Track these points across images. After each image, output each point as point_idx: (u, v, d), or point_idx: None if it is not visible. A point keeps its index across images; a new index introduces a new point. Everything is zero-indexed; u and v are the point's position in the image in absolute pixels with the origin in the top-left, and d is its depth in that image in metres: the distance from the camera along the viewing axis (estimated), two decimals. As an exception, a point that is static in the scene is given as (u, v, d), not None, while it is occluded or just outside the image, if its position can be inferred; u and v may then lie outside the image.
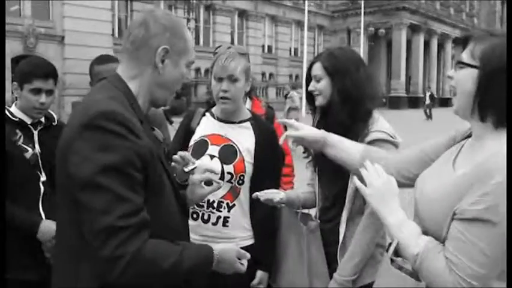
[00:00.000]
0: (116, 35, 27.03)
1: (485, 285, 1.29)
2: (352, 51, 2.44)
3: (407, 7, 40.48)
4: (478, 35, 1.46)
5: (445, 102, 46.54)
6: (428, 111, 28.56)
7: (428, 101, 29.29)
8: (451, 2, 50.57)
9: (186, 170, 1.98)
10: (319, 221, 2.34)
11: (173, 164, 2.05)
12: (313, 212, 2.46)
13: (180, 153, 2.05)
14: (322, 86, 2.24)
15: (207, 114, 2.51)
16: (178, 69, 1.57)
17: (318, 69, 2.27)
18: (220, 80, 2.32)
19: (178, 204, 1.60)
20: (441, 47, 47.90)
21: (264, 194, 2.26)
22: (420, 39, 43.08)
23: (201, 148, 2.37)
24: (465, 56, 1.43)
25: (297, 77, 29.40)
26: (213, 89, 2.36)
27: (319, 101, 2.27)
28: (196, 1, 27.40)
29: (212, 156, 2.34)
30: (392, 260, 1.46)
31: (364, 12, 36.39)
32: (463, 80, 1.42)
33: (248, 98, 3.41)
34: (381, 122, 2.20)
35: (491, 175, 1.28)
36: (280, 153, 2.50)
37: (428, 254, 1.34)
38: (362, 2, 36.44)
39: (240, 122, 2.43)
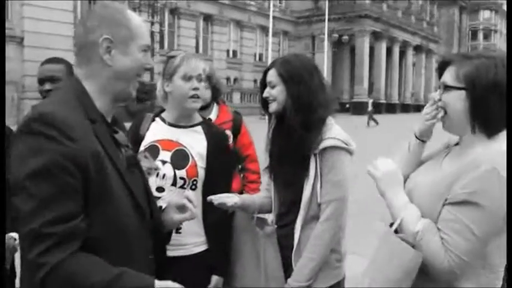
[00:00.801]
0: (78, 37, 26.57)
1: (473, 259, 1.47)
2: (307, 58, 2.44)
3: (369, 15, 41.27)
4: (456, 59, 1.64)
5: (406, 108, 47.62)
6: (370, 117, 28.66)
7: (370, 108, 29.54)
8: (412, 11, 51.85)
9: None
10: (275, 226, 2.34)
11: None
12: (270, 216, 2.46)
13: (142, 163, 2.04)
14: (276, 92, 2.25)
15: (157, 119, 2.48)
16: (130, 56, 1.49)
17: (272, 75, 2.28)
18: (189, 79, 2.32)
19: (136, 213, 1.47)
20: (402, 54, 48.98)
21: (217, 198, 2.25)
22: (383, 46, 43.97)
23: (151, 154, 2.32)
24: (450, 80, 1.61)
25: None
26: (176, 89, 2.34)
27: (273, 107, 2.27)
28: (161, 5, 27.14)
29: (164, 162, 2.31)
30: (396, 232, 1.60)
31: (328, 19, 36.86)
32: (453, 102, 1.60)
33: (215, 103, 3.39)
34: (335, 129, 2.21)
35: (479, 165, 1.48)
36: (232, 157, 2.52)
37: (427, 233, 1.51)
38: (326, 9, 36.93)
39: (191, 126, 2.41)
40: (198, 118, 2.46)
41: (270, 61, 25.56)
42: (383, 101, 43.66)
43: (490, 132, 1.58)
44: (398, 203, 1.64)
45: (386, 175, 1.69)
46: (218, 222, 2.32)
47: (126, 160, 1.50)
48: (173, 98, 2.37)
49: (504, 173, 1.45)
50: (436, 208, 1.55)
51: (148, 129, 2.45)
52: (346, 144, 2.17)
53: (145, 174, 2.04)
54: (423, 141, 1.83)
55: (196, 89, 2.33)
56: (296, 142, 2.15)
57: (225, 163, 2.42)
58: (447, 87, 1.63)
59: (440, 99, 1.66)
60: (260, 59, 39.48)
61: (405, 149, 1.87)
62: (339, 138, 2.17)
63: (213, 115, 3.33)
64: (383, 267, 1.56)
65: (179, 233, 2.28)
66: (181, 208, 1.74)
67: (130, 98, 1.55)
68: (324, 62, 35.95)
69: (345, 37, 39.10)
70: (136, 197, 1.47)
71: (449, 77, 1.62)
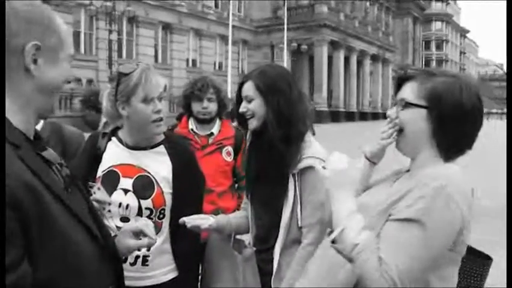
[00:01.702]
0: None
1: (408, 285, 1.30)
2: (283, 68, 2.28)
3: (328, 24, 41.89)
4: (418, 75, 1.52)
5: (364, 117, 48.48)
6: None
7: None
8: (369, 21, 53.03)
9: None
10: (254, 249, 2.20)
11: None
12: (247, 238, 2.30)
13: (96, 197, 1.94)
14: (255, 106, 2.09)
15: (113, 139, 2.19)
16: (58, 67, 1.27)
17: (249, 89, 2.11)
18: (150, 100, 2.03)
19: (87, 237, 1.26)
20: (360, 63, 49.94)
21: (190, 221, 2.06)
22: (341, 55, 44.70)
23: (111, 181, 2.09)
24: (410, 97, 1.48)
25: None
26: (135, 113, 2.04)
27: (253, 124, 2.10)
28: (119, 13, 26.78)
29: (126, 191, 2.08)
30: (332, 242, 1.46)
31: (287, 28, 37.20)
32: (413, 120, 1.48)
33: (218, 119, 3.28)
34: (314, 146, 2.09)
35: (429, 182, 1.36)
36: (200, 177, 2.31)
37: (366, 248, 1.35)
38: (285, 18, 37.28)
39: (153, 147, 2.16)
40: (159, 136, 2.18)
41: (229, 70, 25.43)
42: (342, 109, 44.35)
43: (449, 155, 1.48)
44: (342, 210, 1.46)
45: (336, 174, 1.52)
46: (188, 249, 2.16)
47: (63, 180, 1.30)
48: (132, 122, 2.08)
49: (456, 193, 1.34)
50: (379, 225, 1.40)
51: (104, 150, 2.17)
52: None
53: (99, 209, 1.90)
54: (374, 163, 1.71)
55: (159, 111, 2.05)
56: (276, 159, 2.00)
57: (192, 185, 2.20)
58: (407, 104, 1.49)
59: (396, 117, 1.52)
60: (220, 67, 39.45)
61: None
62: (319, 157, 2.02)
63: (215, 130, 3.23)
64: (316, 279, 1.44)
65: (147, 265, 2.09)
66: (137, 234, 1.58)
67: (52, 112, 1.34)
68: (283, 70, 36.19)
69: (304, 46, 39.59)
70: (83, 220, 1.26)
71: (409, 93, 1.49)
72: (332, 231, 1.48)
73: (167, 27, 35.40)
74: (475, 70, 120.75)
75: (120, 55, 30.62)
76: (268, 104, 2.07)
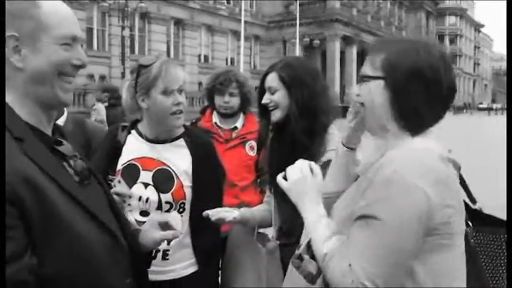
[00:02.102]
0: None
1: (390, 285, 1.20)
2: (308, 61, 2.28)
3: (340, 19, 41.67)
4: (375, 46, 1.42)
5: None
6: None
7: None
8: (381, 16, 52.63)
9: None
10: (278, 242, 2.18)
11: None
12: (270, 231, 2.28)
13: (117, 190, 1.93)
14: (278, 98, 2.09)
15: (133, 132, 2.18)
16: (44, 53, 1.19)
17: (273, 80, 2.12)
18: (171, 93, 2.03)
19: (102, 233, 1.23)
20: (372, 58, 49.58)
21: (215, 213, 2.06)
22: (353, 50, 44.41)
23: (131, 175, 2.08)
24: (367, 69, 1.37)
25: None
26: (155, 105, 2.04)
27: (276, 115, 2.11)
28: (131, 9, 26.86)
29: (146, 185, 2.08)
30: (295, 258, 1.38)
31: (299, 23, 37.09)
32: (372, 94, 1.35)
33: (242, 113, 3.25)
34: (337, 139, 2.02)
35: (377, 173, 1.24)
36: (220, 170, 2.30)
37: (334, 256, 1.26)
38: (297, 13, 37.16)
39: (173, 140, 2.15)
40: (179, 129, 2.18)
41: (242, 66, 25.31)
42: (354, 104, 44.15)
43: (413, 128, 1.33)
44: (309, 219, 1.38)
45: (294, 184, 1.44)
46: (208, 244, 2.15)
47: (79, 174, 1.27)
48: (151, 114, 2.08)
49: (413, 174, 1.20)
50: (348, 227, 1.29)
51: (124, 144, 2.16)
52: None
53: (119, 202, 1.89)
54: (352, 149, 1.58)
55: (179, 104, 2.05)
56: (299, 151, 1.96)
57: (213, 178, 2.18)
58: (364, 78, 1.37)
59: (358, 95, 1.41)
60: (232, 63, 39.36)
61: (334, 161, 1.63)
62: None
63: (238, 124, 3.20)
64: None
65: (167, 259, 2.09)
66: (164, 226, 1.57)
67: (60, 103, 1.28)
68: (295, 66, 36.11)
69: (317, 41, 39.42)
70: (96, 215, 1.22)
71: (366, 66, 1.38)
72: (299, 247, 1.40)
73: (179, 23, 35.45)
74: (490, 65, 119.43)
75: (133, 51, 30.73)
76: (291, 96, 2.07)
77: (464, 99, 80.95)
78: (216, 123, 3.21)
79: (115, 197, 1.89)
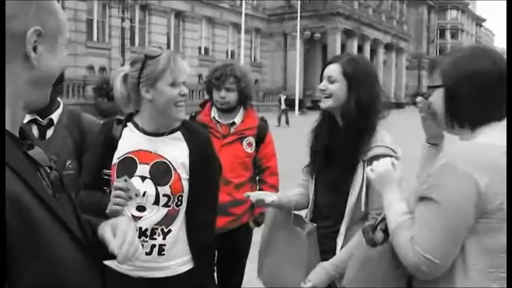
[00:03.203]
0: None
1: (441, 259, 1.42)
2: (369, 61, 2.40)
3: (341, 12, 41.52)
4: (440, 59, 1.64)
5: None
6: (283, 117, 24.91)
7: (283, 106, 25.61)
8: (383, 9, 52.45)
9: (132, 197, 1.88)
10: (315, 225, 2.24)
11: (116, 192, 1.88)
12: (303, 213, 2.37)
13: (116, 184, 1.89)
14: (335, 88, 2.16)
15: (129, 124, 2.14)
16: (58, 55, 1.11)
17: (335, 70, 2.18)
18: (177, 84, 2.02)
19: (76, 249, 1.10)
20: (373, 52, 49.45)
21: (256, 195, 2.24)
22: (354, 44, 44.31)
23: (128, 168, 2.05)
24: (430, 80, 1.63)
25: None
26: (161, 96, 2.01)
27: (327, 103, 2.19)
28: (131, 1, 26.75)
29: (143, 178, 2.05)
30: (368, 227, 1.66)
31: (300, 16, 36.95)
32: (435, 101, 1.60)
33: (242, 107, 3.19)
34: (383, 136, 2.15)
35: (439, 160, 1.48)
36: (217, 163, 2.28)
37: (399, 229, 1.52)
38: (298, 6, 37.02)
39: (170, 132, 2.13)
40: (177, 122, 2.16)
41: (242, 58, 25.05)
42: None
43: (472, 125, 1.53)
44: (387, 201, 1.67)
45: (379, 176, 1.74)
46: (203, 239, 2.13)
47: (52, 185, 1.14)
48: (155, 105, 2.04)
49: (466, 165, 1.40)
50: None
51: (120, 137, 2.12)
52: (394, 152, 2.10)
53: (124, 199, 1.87)
54: (435, 145, 1.81)
55: (184, 95, 2.05)
56: (351, 145, 2.10)
57: (210, 171, 2.18)
58: (430, 88, 1.63)
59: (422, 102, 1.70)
60: (232, 56, 39.30)
61: (421, 156, 1.87)
62: (389, 146, 2.11)
63: (237, 119, 3.14)
64: (355, 269, 1.67)
65: (163, 254, 2.07)
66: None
67: (40, 106, 1.18)
68: (296, 59, 36.05)
69: (317, 35, 39.30)
70: (72, 231, 1.10)
71: (431, 78, 1.63)
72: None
73: (179, 15, 35.32)
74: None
75: (133, 43, 30.66)
76: (351, 92, 2.14)
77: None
78: (214, 117, 3.16)
79: (118, 192, 1.88)
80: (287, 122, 24.81)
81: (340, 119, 2.19)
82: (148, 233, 2.05)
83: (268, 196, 2.23)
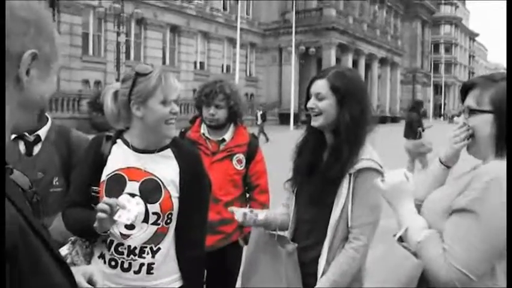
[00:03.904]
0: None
1: (477, 275, 1.39)
2: (357, 72, 2.32)
3: (336, 27, 41.82)
4: (480, 82, 1.62)
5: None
6: (261, 132, 22.82)
7: (259, 121, 24.42)
8: (377, 24, 52.89)
9: (120, 219, 1.81)
10: (296, 245, 2.17)
11: (99, 214, 1.83)
12: (287, 234, 2.31)
13: (107, 200, 1.84)
14: (325, 106, 2.08)
15: (118, 141, 2.11)
16: (49, 80, 1.09)
17: (322, 87, 2.10)
18: (168, 102, 1.99)
19: (60, 270, 1.05)
20: (368, 66, 49.78)
21: (240, 214, 2.18)
22: (349, 58, 44.57)
23: (117, 185, 2.01)
24: (474, 103, 1.59)
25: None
26: (152, 114, 1.98)
27: (318, 121, 2.10)
28: (127, 15, 26.84)
29: (132, 195, 2.00)
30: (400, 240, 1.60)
31: (295, 31, 37.16)
32: (480, 125, 1.58)
33: (232, 124, 3.15)
34: (369, 150, 2.09)
35: (483, 175, 1.45)
36: (207, 181, 2.24)
37: (428, 243, 1.48)
38: (293, 21, 37.26)
39: (160, 150, 2.09)
40: (167, 139, 2.13)
41: (237, 73, 24.98)
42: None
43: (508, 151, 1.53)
44: (404, 213, 1.62)
45: (391, 187, 1.68)
46: (193, 256, 2.09)
47: (34, 210, 1.14)
48: (146, 123, 2.01)
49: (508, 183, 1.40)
50: (443, 220, 1.51)
51: (109, 153, 2.09)
52: (380, 167, 2.05)
53: (107, 214, 1.82)
54: (448, 167, 1.78)
55: (175, 113, 2.02)
56: (338, 159, 2.05)
57: (200, 188, 2.13)
58: (472, 111, 1.60)
59: (465, 124, 1.64)
60: (228, 70, 39.44)
61: (429, 174, 1.82)
62: (375, 160, 2.05)
63: (227, 136, 3.10)
64: (383, 276, 1.57)
65: (152, 273, 2.02)
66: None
67: (26, 130, 1.09)
68: (291, 74, 36.18)
69: (312, 49, 39.50)
70: (54, 250, 1.05)
71: (473, 100, 1.60)
72: (395, 235, 1.61)
73: (175, 29, 35.47)
74: (484, 74, 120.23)
75: (128, 57, 30.72)
76: (344, 108, 2.07)
77: (460, 107, 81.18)
78: (203, 134, 3.13)
79: (105, 207, 1.83)
80: (266, 138, 23.01)
81: (330, 136, 2.13)
82: (137, 251, 2.00)
83: (255, 213, 2.19)
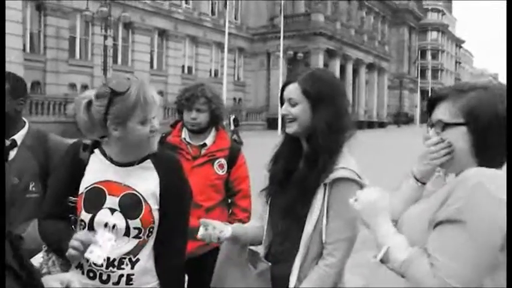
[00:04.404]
0: (28, 50, 25.78)
1: (470, 286, 1.31)
2: (332, 73, 2.12)
3: (323, 32, 42.02)
4: (450, 93, 1.52)
5: (360, 125, 48.58)
6: (236, 137, 22.76)
7: (232, 127, 24.32)
8: (365, 30, 53.24)
9: (91, 256, 1.77)
10: (269, 264, 2.03)
11: (70, 251, 1.77)
12: (260, 249, 2.14)
13: (79, 237, 1.78)
14: (298, 111, 1.93)
15: (96, 152, 2.00)
16: None
17: (294, 91, 1.95)
18: (147, 121, 1.88)
19: None
20: (356, 72, 50.06)
21: (206, 234, 1.99)
22: (337, 63, 44.78)
23: (96, 199, 1.92)
24: (445, 117, 1.49)
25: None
26: (131, 134, 1.88)
27: (292, 128, 1.95)
28: (114, 18, 26.70)
29: (112, 210, 1.93)
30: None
31: (283, 36, 37.24)
32: (455, 139, 1.47)
33: (214, 128, 3.09)
34: (347, 158, 1.93)
35: (466, 182, 1.35)
36: (187, 191, 2.17)
37: (413, 260, 1.38)
38: (282, 26, 37.34)
39: (140, 162, 1.99)
40: (146, 149, 2.00)
41: (225, 77, 24.90)
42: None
43: (493, 166, 1.43)
44: (382, 233, 1.50)
45: (367, 206, 1.55)
46: (172, 268, 2.03)
47: None
48: (125, 142, 1.92)
49: (497, 188, 1.31)
50: (424, 236, 1.40)
51: (87, 163, 1.99)
52: (359, 177, 1.88)
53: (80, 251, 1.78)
54: (423, 184, 1.66)
55: (156, 130, 1.91)
56: (314, 167, 1.89)
57: (180, 200, 2.05)
58: (446, 125, 1.49)
59: (443, 139, 1.51)
60: (216, 75, 39.40)
61: (404, 192, 1.69)
62: (353, 170, 1.88)
63: (208, 140, 3.04)
64: None
65: (131, 284, 1.96)
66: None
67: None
68: (279, 78, 36.22)
69: (300, 54, 39.63)
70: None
71: (444, 113, 1.50)
72: (375, 256, 1.50)
73: (163, 33, 35.37)
74: (470, 80, 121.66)
75: (115, 61, 30.58)
76: (317, 112, 1.91)
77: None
78: (184, 138, 3.07)
79: (77, 244, 1.78)
80: (239, 141, 22.24)
81: (305, 143, 1.98)
82: (116, 263, 1.94)
83: (220, 230, 2.01)
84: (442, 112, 1.50)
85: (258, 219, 2.21)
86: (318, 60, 41.92)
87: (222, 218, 2.96)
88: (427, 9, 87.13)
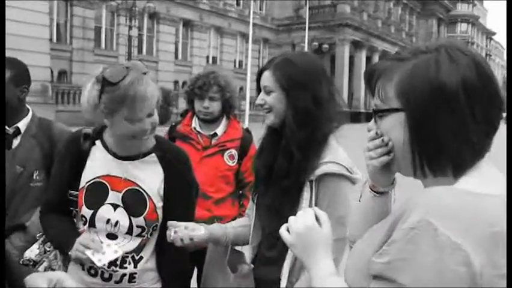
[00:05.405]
0: (55, 40, 26.09)
1: None
2: (314, 59, 1.91)
3: (350, 23, 41.46)
4: (386, 67, 1.05)
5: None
6: None
7: None
8: (392, 21, 52.37)
9: (92, 257, 1.71)
10: (252, 266, 1.93)
11: (75, 254, 1.74)
12: (247, 249, 2.02)
13: (83, 241, 1.74)
14: (273, 100, 1.79)
15: (98, 143, 1.91)
16: None
17: (268, 79, 1.80)
18: (136, 120, 1.78)
19: None
20: (382, 63, 49.34)
21: (176, 236, 1.81)
22: (363, 55, 44.19)
23: (98, 194, 1.85)
24: (380, 102, 1.05)
25: (241, 88, 29.16)
26: (118, 129, 1.81)
27: (269, 119, 1.82)
28: (140, 9, 26.82)
29: (115, 206, 1.85)
30: None
31: (309, 27, 36.89)
32: (391, 130, 1.03)
33: (225, 117, 3.01)
34: (336, 151, 1.76)
35: (410, 214, 0.89)
36: (195, 186, 2.06)
37: None
38: (307, 17, 36.98)
39: (144, 155, 1.90)
40: (150, 141, 1.91)
41: (249, 68, 24.97)
42: (362, 110, 43.90)
43: (453, 167, 0.97)
44: (318, 273, 1.12)
45: (299, 238, 1.17)
46: (175, 267, 1.96)
47: None
48: (115, 133, 1.84)
49: (449, 228, 0.84)
50: (368, 283, 0.95)
51: (88, 155, 1.90)
52: (349, 172, 1.73)
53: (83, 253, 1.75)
54: (382, 193, 1.21)
55: (145, 131, 1.79)
56: (290, 163, 1.74)
57: (185, 196, 1.96)
58: (380, 112, 1.05)
59: (379, 134, 1.07)
60: (240, 65, 39.32)
61: (360, 206, 1.28)
62: (343, 164, 1.72)
63: (219, 130, 2.97)
64: None
65: (134, 282, 1.90)
66: None
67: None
68: (304, 70, 36.01)
69: (326, 46, 39.18)
70: None
71: (378, 96, 1.05)
72: None
73: (188, 24, 35.38)
74: (501, 73, 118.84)
75: (140, 51, 30.75)
76: (289, 101, 1.76)
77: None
78: (195, 128, 2.99)
79: (82, 248, 1.74)
80: None
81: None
82: (118, 262, 1.86)
83: (191, 229, 1.84)
84: (377, 95, 1.05)
85: (244, 218, 2.09)
86: (344, 52, 41.44)
87: (231, 211, 2.89)
88: (457, 1, 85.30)
